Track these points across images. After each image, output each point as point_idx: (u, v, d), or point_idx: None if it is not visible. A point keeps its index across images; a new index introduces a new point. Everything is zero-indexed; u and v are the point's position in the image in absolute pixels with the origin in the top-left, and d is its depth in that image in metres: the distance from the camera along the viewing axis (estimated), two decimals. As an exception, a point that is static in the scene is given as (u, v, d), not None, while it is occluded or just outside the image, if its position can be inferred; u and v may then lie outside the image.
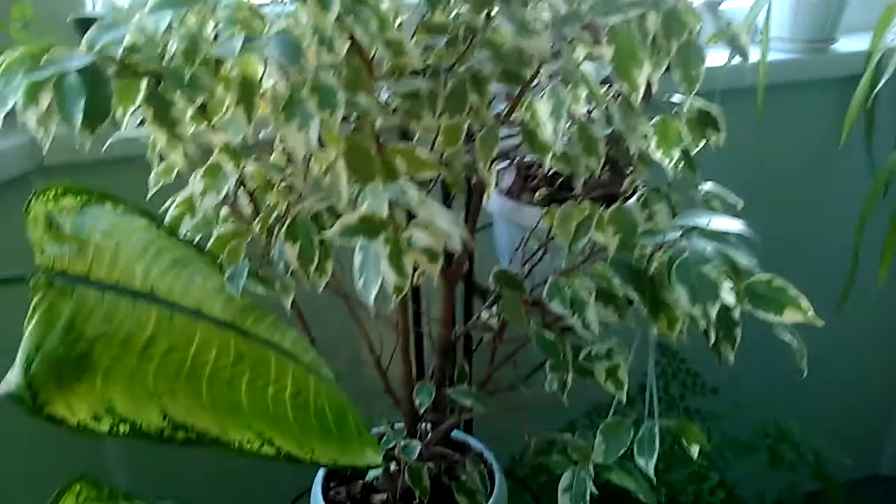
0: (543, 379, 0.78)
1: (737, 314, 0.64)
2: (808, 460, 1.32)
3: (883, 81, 1.20)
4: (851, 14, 1.45)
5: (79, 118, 0.48)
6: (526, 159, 1.02)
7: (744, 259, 0.59)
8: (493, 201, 0.98)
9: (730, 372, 1.43)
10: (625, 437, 0.70)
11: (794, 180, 1.62)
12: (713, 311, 0.58)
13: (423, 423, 0.99)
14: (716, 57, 1.34)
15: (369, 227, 0.54)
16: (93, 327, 0.54)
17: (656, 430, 0.69)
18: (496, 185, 0.99)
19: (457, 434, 1.07)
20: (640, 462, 0.68)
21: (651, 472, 0.67)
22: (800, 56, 1.45)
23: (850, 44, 1.47)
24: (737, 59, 1.27)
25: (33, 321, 0.52)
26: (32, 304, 0.53)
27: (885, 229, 1.24)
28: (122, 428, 0.55)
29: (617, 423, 0.72)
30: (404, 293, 0.60)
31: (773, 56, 1.42)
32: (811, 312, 0.62)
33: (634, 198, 0.71)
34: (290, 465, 1.01)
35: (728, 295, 0.62)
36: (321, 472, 1.03)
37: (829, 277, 1.44)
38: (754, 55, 1.34)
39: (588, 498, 0.70)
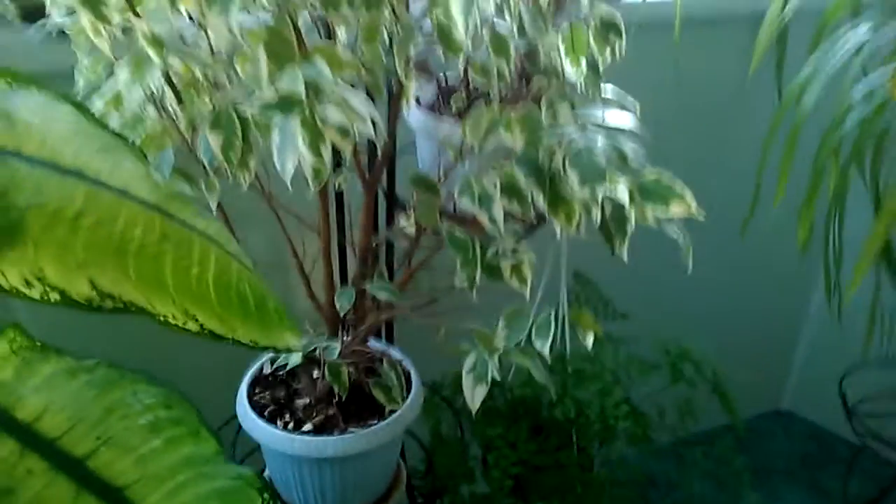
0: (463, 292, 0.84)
1: (629, 210, 0.70)
2: (706, 377, 1.41)
3: (788, 14, 1.27)
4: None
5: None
6: (448, 77, 1.06)
7: (630, 147, 0.65)
8: (415, 117, 1.03)
9: (642, 303, 1.52)
10: (524, 323, 0.76)
11: (708, 112, 1.70)
12: (600, 193, 0.64)
13: (345, 331, 1.04)
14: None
15: (286, 103, 0.57)
16: (24, 198, 0.56)
17: (551, 315, 0.75)
18: (418, 101, 1.03)
19: (377, 344, 1.12)
20: (537, 344, 0.75)
21: (546, 353, 0.74)
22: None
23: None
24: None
25: (-36, 189, 0.55)
26: (-37, 173, 0.56)
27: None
28: (53, 295, 0.58)
29: (517, 311, 0.78)
30: (323, 180, 0.65)
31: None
32: (694, 206, 0.69)
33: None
34: (218, 381, 1.06)
35: (622, 190, 0.68)
36: (246, 379, 1.08)
37: (737, 207, 1.53)
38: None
39: (490, 378, 0.76)
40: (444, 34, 0.70)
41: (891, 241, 1.38)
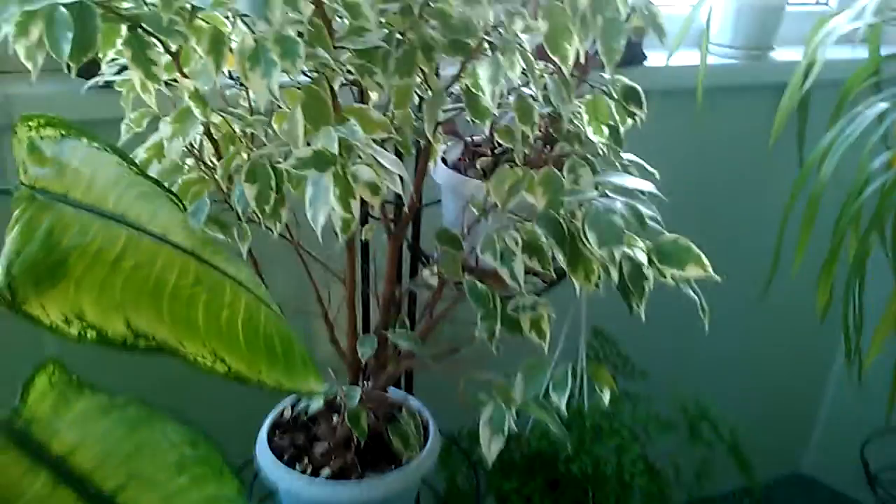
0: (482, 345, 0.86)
1: (647, 270, 0.73)
2: (723, 437, 1.42)
3: (808, 84, 1.30)
4: (789, 25, 1.56)
5: (67, 49, 0.55)
6: (474, 138, 1.10)
7: (648, 210, 0.68)
8: (441, 174, 1.06)
9: (662, 361, 1.53)
10: (542, 377, 0.78)
11: (730, 178, 1.72)
12: (618, 253, 0.66)
13: (366, 379, 1.06)
14: (656, 58, 1.44)
15: (320, 160, 0.61)
16: (69, 239, 0.60)
17: (568, 370, 0.77)
18: (445, 160, 1.07)
19: (396, 393, 1.14)
20: (555, 398, 0.76)
21: (563, 407, 0.75)
22: (738, 61, 1.55)
23: (787, 53, 1.58)
24: (675, 61, 1.36)
25: (15, 229, 0.58)
26: (15, 214, 0.59)
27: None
28: (90, 333, 0.61)
29: (536, 364, 0.80)
30: (351, 232, 0.68)
31: (712, 60, 1.51)
32: (710, 268, 0.71)
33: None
34: (237, 425, 1.08)
35: (640, 252, 0.71)
36: (267, 422, 1.10)
37: (758, 270, 1.54)
38: (695, 58, 1.44)
39: (507, 430, 0.78)
40: (472, 101, 0.73)
41: (912, 307, 1.39)
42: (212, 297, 0.68)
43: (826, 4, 1.77)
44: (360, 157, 0.63)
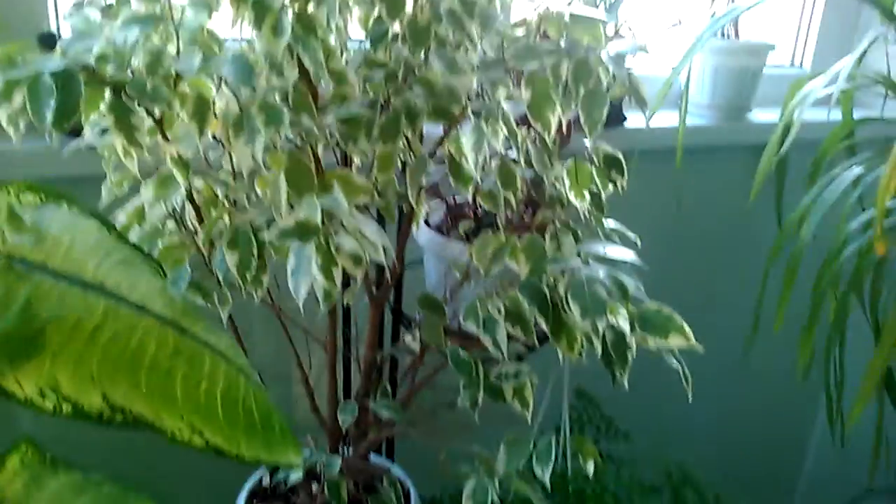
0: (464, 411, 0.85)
1: (630, 340, 0.72)
2: (707, 502, 1.40)
3: (785, 147, 1.32)
4: (765, 87, 1.59)
5: (49, 117, 0.54)
6: (456, 200, 1.10)
7: (630, 281, 0.68)
8: (424, 236, 1.06)
9: (645, 422, 1.52)
10: (525, 449, 0.77)
11: (710, 238, 1.74)
12: (601, 325, 0.66)
13: (346, 446, 1.04)
14: (635, 120, 1.46)
15: (303, 231, 0.60)
16: (46, 310, 0.58)
17: (552, 442, 0.76)
18: (427, 221, 1.07)
19: (377, 460, 1.12)
20: (538, 470, 0.75)
21: (546, 480, 0.74)
22: (717, 123, 1.57)
23: (764, 114, 1.60)
24: (654, 122, 1.38)
25: (-9, 300, 0.57)
26: (-8, 285, 0.58)
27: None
28: (65, 407, 0.59)
29: (519, 436, 0.79)
30: (333, 301, 0.67)
31: (691, 121, 1.53)
32: (692, 339, 0.71)
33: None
34: (215, 490, 1.06)
35: (623, 321, 0.70)
36: (244, 492, 1.07)
37: (740, 331, 1.55)
38: (674, 119, 1.46)
39: (489, 503, 0.76)
40: (455, 167, 0.73)
41: (892, 368, 1.39)
42: (190, 369, 0.66)
43: (801, 67, 1.80)
44: (342, 226, 0.63)
